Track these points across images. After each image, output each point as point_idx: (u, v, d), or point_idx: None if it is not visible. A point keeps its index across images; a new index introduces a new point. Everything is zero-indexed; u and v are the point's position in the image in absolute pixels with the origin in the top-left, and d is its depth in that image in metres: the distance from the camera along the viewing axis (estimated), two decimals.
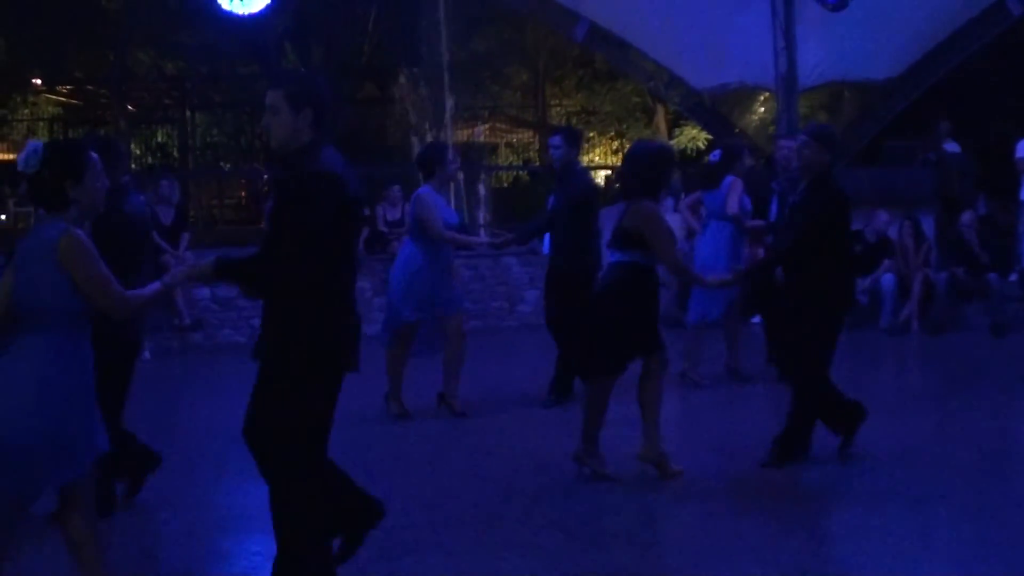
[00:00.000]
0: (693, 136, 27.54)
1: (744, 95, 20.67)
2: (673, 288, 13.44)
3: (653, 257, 7.29)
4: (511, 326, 14.99)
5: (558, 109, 30.53)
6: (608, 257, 7.75)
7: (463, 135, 26.71)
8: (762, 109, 23.63)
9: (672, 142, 26.44)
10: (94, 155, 4.83)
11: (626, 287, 7.29)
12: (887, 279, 15.23)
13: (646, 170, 7.44)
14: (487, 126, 30.23)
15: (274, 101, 4.93)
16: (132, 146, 29.16)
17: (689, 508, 6.85)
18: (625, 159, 8.19)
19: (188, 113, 30.84)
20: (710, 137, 22.99)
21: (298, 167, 4.84)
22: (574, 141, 10.26)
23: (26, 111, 31.64)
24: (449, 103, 20.17)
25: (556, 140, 10.04)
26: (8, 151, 31.51)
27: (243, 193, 31.23)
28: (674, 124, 28.83)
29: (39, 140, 4.67)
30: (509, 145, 31.45)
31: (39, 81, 30.54)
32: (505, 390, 10.45)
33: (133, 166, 25.39)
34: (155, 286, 4.99)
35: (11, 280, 4.66)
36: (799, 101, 18.76)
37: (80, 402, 4.74)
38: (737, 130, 20.34)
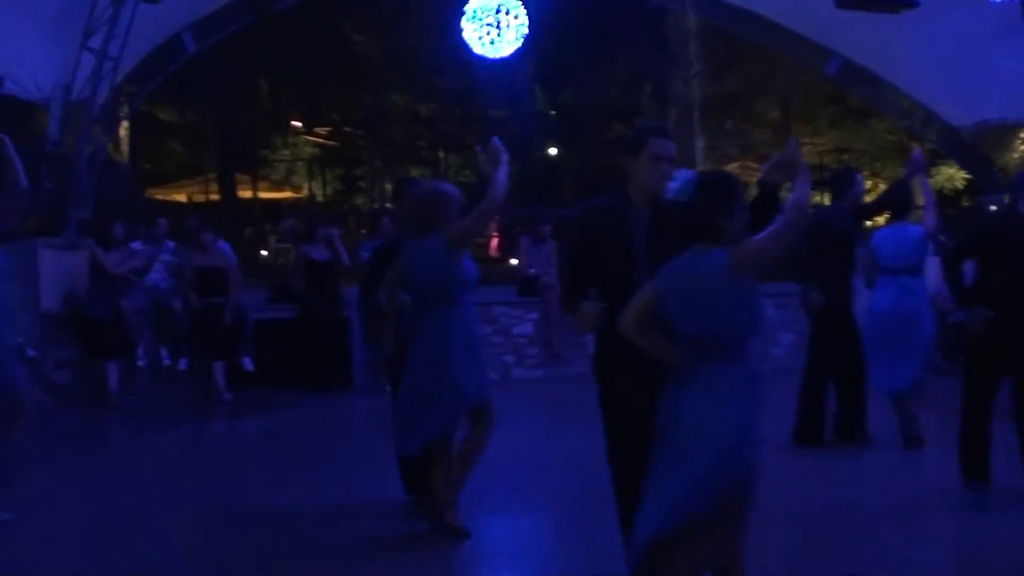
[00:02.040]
0: (950, 175, 26.72)
1: (1005, 132, 19.88)
2: None
3: None
4: (763, 371, 14.73)
5: (809, 147, 30.06)
6: None
7: None
8: (1023, 147, 22.74)
9: (928, 180, 25.61)
10: (738, 188, 4.92)
11: None
12: None
13: None
14: (737, 164, 30.00)
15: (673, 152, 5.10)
16: (386, 185, 30.05)
17: None
18: None
19: (441, 154, 31.61)
20: (968, 176, 22.25)
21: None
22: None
23: (286, 152, 32.96)
24: (699, 142, 20.10)
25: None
26: (270, 190, 32.91)
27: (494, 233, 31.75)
28: (930, 163, 28.01)
29: (690, 169, 4.79)
30: (760, 183, 31.09)
31: (299, 123, 31.81)
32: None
33: (387, 204, 26.11)
34: None
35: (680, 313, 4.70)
36: None
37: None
38: (997, 169, 19.62)
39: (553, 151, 31.12)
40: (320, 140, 33.28)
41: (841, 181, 9.84)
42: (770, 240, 4.69)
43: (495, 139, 6.79)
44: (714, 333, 4.67)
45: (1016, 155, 21.53)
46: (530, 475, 7.65)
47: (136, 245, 13.42)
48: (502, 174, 6.69)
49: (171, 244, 13.88)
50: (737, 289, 4.65)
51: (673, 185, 4.76)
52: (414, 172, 31.91)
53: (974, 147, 19.63)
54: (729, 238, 4.69)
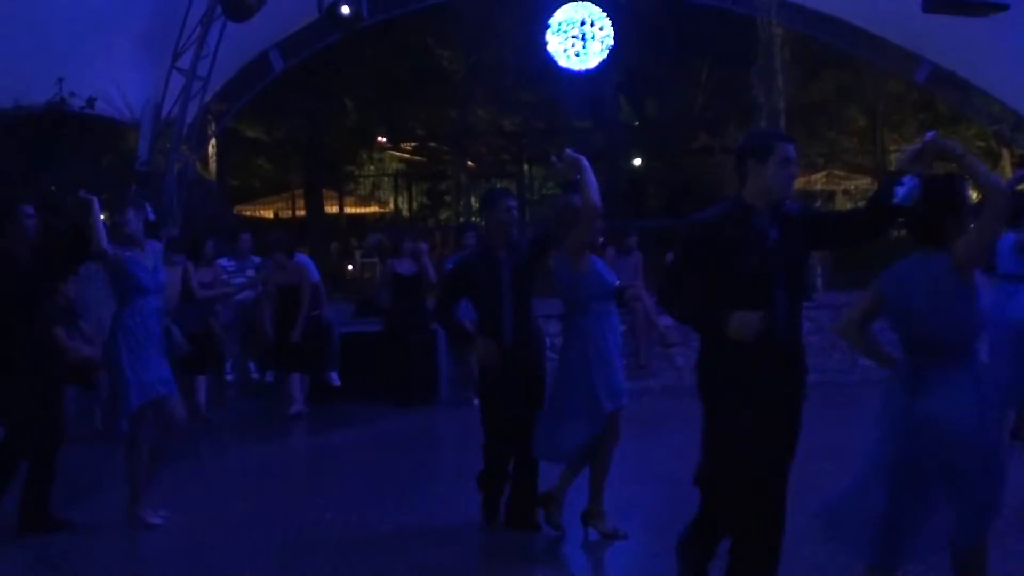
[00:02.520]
0: None
1: None
2: None
3: None
4: (852, 381, 14.51)
5: (897, 155, 29.68)
6: None
7: (799, 182, 26.28)
8: None
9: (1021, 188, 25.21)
10: (966, 190, 4.93)
11: None
12: None
13: None
14: (823, 173, 29.70)
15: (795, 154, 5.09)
16: (472, 199, 30.15)
17: None
18: None
19: (525, 167, 31.65)
20: None
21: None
22: None
23: (371, 167, 33.20)
24: None
25: None
26: (356, 205, 33.16)
27: None
28: (1021, 167, 27.53)
29: (914, 176, 4.76)
30: (846, 192, 30.79)
31: (384, 139, 32.03)
32: (840, 448, 10.09)
33: (473, 219, 26.22)
34: None
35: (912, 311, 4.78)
36: None
37: None
38: None
39: (637, 162, 31.00)
40: (405, 155, 33.49)
41: None
42: (981, 232, 4.73)
43: (568, 149, 6.89)
44: (940, 335, 4.71)
45: None
46: (618, 491, 7.59)
47: (224, 261, 13.54)
48: (589, 176, 6.76)
49: (256, 259, 14.00)
50: (961, 290, 4.69)
51: (900, 190, 4.75)
52: (499, 185, 32.02)
53: None
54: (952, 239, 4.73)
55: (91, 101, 13.40)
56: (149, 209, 7.88)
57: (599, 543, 7.15)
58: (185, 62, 15.05)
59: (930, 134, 4.93)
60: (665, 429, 10.74)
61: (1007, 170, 27.12)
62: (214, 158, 21.96)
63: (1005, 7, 14.51)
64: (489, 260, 7.32)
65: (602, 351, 7.03)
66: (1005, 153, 26.74)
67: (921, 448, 4.65)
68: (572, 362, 7.01)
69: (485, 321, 7.36)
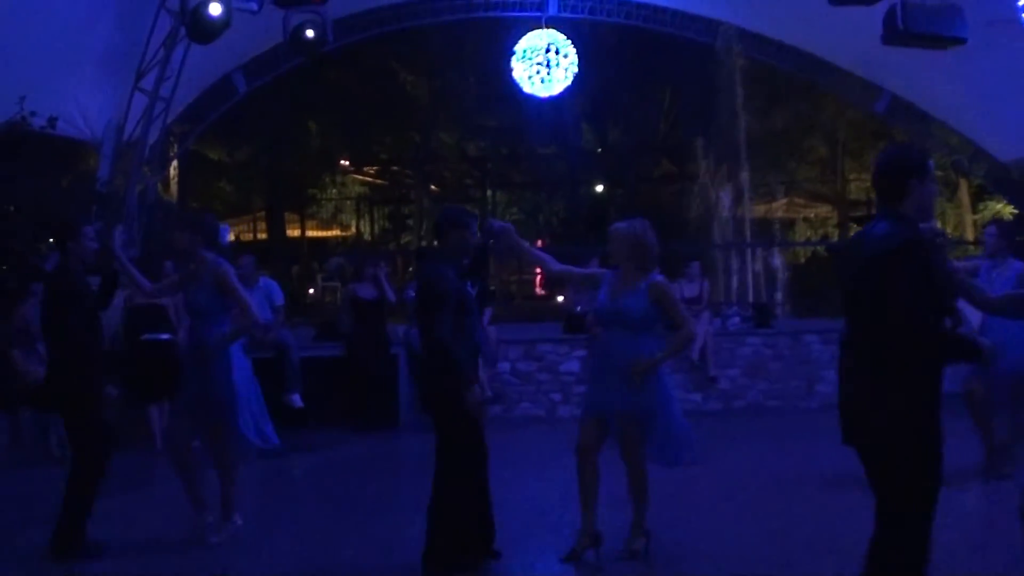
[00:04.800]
0: (998, 211, 26.52)
1: None
2: None
3: None
4: (809, 408, 14.61)
5: (857, 183, 29.94)
6: None
7: (759, 210, 26.49)
8: None
9: (976, 217, 25.58)
10: None
11: None
12: None
13: None
14: (784, 201, 29.91)
15: None
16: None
17: None
18: None
19: (489, 192, 31.71)
20: (1016, 211, 22.09)
21: None
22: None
23: (334, 190, 33.16)
24: (746, 178, 20.07)
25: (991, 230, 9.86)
26: (318, 229, 33.12)
27: (538, 269, 31.79)
28: (978, 198, 27.83)
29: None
30: (807, 220, 31.01)
31: (347, 162, 32.02)
32: (799, 473, 10.17)
33: (423, 243, 26.24)
34: None
35: None
36: None
37: None
38: None
39: (600, 188, 31.13)
40: (368, 179, 33.48)
41: None
42: None
43: (489, 222, 7.05)
44: None
45: None
46: (573, 515, 7.60)
47: None
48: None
49: None
50: None
51: None
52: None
53: (1022, 182, 19.51)
54: None
55: (52, 121, 13.28)
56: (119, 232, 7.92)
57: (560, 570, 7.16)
58: (148, 83, 14.99)
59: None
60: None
61: (965, 199, 27.43)
62: (176, 180, 21.87)
63: (963, 40, 14.67)
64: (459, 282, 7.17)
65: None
66: (963, 183, 27.02)
67: None
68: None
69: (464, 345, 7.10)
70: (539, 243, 26.91)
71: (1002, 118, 18.21)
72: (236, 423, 7.92)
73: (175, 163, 19.95)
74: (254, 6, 14.56)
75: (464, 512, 6.90)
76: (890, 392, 4.79)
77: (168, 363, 11.76)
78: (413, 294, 13.15)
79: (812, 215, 31.17)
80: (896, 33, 14.53)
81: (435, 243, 7.40)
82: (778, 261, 21.23)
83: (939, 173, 27.65)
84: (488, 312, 14.33)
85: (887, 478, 4.89)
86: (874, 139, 28.58)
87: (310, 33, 15.67)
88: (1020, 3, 15.16)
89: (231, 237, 7.16)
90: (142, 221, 15.61)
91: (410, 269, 26.02)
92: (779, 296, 18.61)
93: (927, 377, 4.79)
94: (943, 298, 4.95)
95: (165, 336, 12.06)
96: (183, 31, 14.21)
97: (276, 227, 30.00)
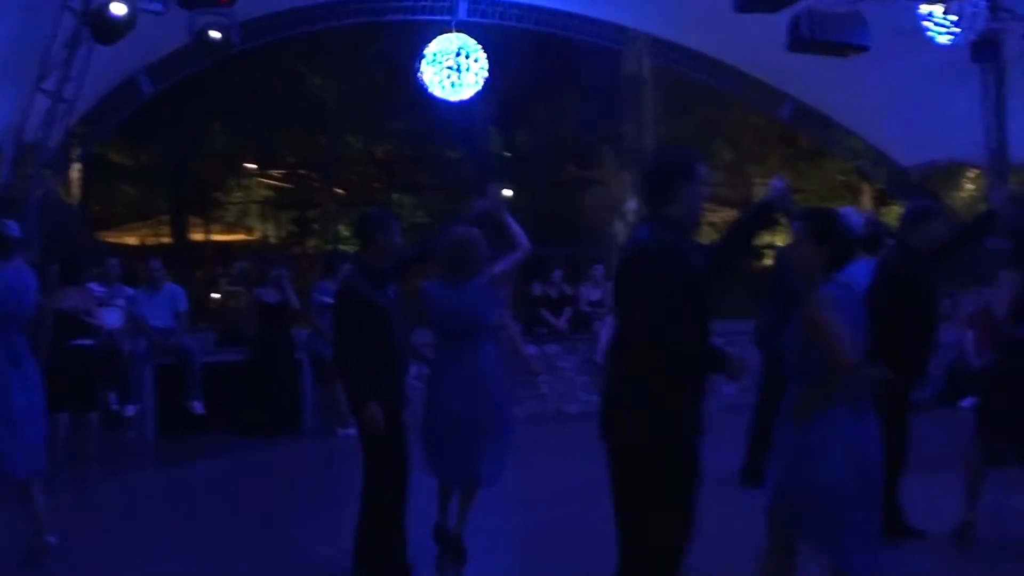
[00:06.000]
0: (899, 215, 26.98)
1: (953, 172, 20.18)
2: None
3: None
4: (710, 409, 14.67)
5: (762, 188, 30.24)
6: None
7: None
8: (971, 186, 23.03)
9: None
10: None
11: None
12: None
13: None
14: None
15: None
16: (341, 228, 29.96)
17: None
18: None
19: (395, 195, 31.57)
20: None
21: None
22: None
23: (239, 194, 32.81)
24: None
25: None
26: (223, 232, 32.75)
27: None
28: (880, 202, 28.29)
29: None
30: (712, 224, 31.28)
31: (253, 165, 31.69)
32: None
33: (341, 247, 26.09)
34: None
35: None
36: (1010, 178, 18.23)
37: None
38: (945, 208, 19.86)
39: (508, 193, 31.16)
40: (274, 182, 33.15)
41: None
42: None
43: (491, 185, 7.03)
44: None
45: (964, 194, 21.84)
46: (487, 517, 7.62)
47: (94, 286, 13.23)
48: (511, 220, 6.97)
49: (129, 290, 13.78)
50: None
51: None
52: None
53: (922, 187, 19.87)
54: None
55: None
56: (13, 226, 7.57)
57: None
58: (51, 84, 14.73)
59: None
60: (533, 456, 10.82)
61: (868, 204, 27.85)
62: (78, 183, 21.50)
63: (865, 48, 14.93)
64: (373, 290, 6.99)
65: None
66: (865, 188, 27.46)
67: None
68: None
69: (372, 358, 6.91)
70: None
71: (904, 124, 18.57)
72: None
73: (78, 166, 19.59)
74: (159, 7, 14.40)
75: (379, 524, 6.83)
76: (635, 394, 4.75)
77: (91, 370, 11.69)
78: (321, 298, 13.11)
79: (717, 219, 31.44)
80: (800, 40, 14.75)
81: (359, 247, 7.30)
82: None
83: (842, 178, 28.18)
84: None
85: (621, 484, 4.87)
86: (778, 144, 28.96)
87: (216, 35, 15.50)
88: (921, 12, 15.47)
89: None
90: (43, 224, 15.33)
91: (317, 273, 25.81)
92: None
93: (678, 383, 4.73)
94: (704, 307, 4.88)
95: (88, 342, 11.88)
96: (87, 32, 13.99)
97: (180, 231, 29.61)
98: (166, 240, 29.93)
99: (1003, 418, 7.65)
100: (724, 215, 30.93)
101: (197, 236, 31.11)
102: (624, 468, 4.82)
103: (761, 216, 5.31)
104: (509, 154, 29.89)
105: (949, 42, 15.42)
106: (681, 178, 4.90)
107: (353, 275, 7.00)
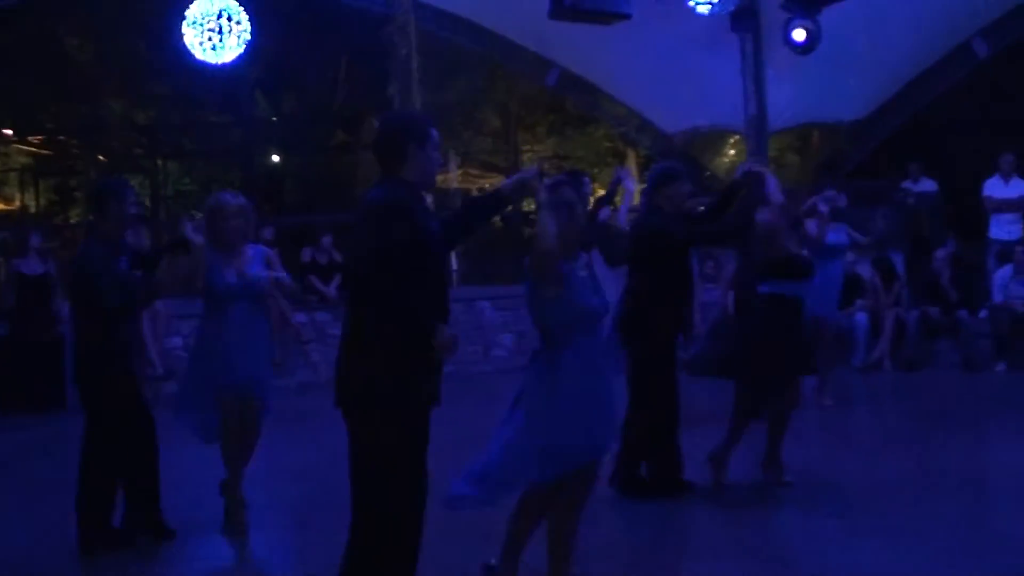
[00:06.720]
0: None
1: (714, 138, 20.81)
2: None
3: None
4: (485, 371, 14.93)
5: (530, 154, 30.63)
6: None
7: (437, 180, 26.72)
8: (732, 152, 23.80)
9: (642, 186, 26.55)
10: None
11: None
12: (860, 317, 15.37)
13: None
14: (459, 172, 30.30)
15: None
16: None
17: None
18: None
19: (159, 162, 30.82)
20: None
21: None
22: None
23: None
24: None
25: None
26: None
27: None
28: (645, 168, 28.97)
29: None
30: (481, 190, 31.52)
31: (10, 132, 30.50)
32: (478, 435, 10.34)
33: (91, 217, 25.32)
34: None
35: None
36: (769, 143, 18.92)
37: None
38: (708, 173, 20.50)
39: (275, 158, 30.75)
40: (33, 149, 31.95)
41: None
42: None
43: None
44: None
45: (726, 160, 22.61)
46: (259, 487, 7.58)
47: None
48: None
49: None
50: None
51: None
52: (132, 181, 31.01)
53: (686, 152, 20.43)
54: None
55: None
56: None
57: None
58: None
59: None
60: (305, 425, 10.80)
61: (633, 169, 28.51)
62: None
63: (628, 16, 15.21)
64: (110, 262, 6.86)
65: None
66: (631, 153, 28.09)
67: None
68: None
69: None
70: None
71: (667, 92, 19.06)
72: None
73: None
74: None
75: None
76: (360, 357, 4.74)
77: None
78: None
79: (487, 184, 31.71)
80: (562, 8, 14.91)
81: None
82: None
83: (608, 144, 28.76)
84: None
85: (355, 453, 4.83)
86: (546, 111, 29.35)
87: None
88: None
89: None
90: None
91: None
92: (453, 263, 18.89)
93: (399, 346, 4.68)
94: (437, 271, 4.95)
95: None
96: None
97: None
98: None
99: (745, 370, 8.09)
100: (491, 180, 31.26)
101: None
102: (353, 434, 4.80)
103: (497, 203, 5.38)
104: (276, 119, 29.49)
105: (708, 12, 15.83)
106: (414, 141, 4.93)
107: (88, 246, 6.84)
